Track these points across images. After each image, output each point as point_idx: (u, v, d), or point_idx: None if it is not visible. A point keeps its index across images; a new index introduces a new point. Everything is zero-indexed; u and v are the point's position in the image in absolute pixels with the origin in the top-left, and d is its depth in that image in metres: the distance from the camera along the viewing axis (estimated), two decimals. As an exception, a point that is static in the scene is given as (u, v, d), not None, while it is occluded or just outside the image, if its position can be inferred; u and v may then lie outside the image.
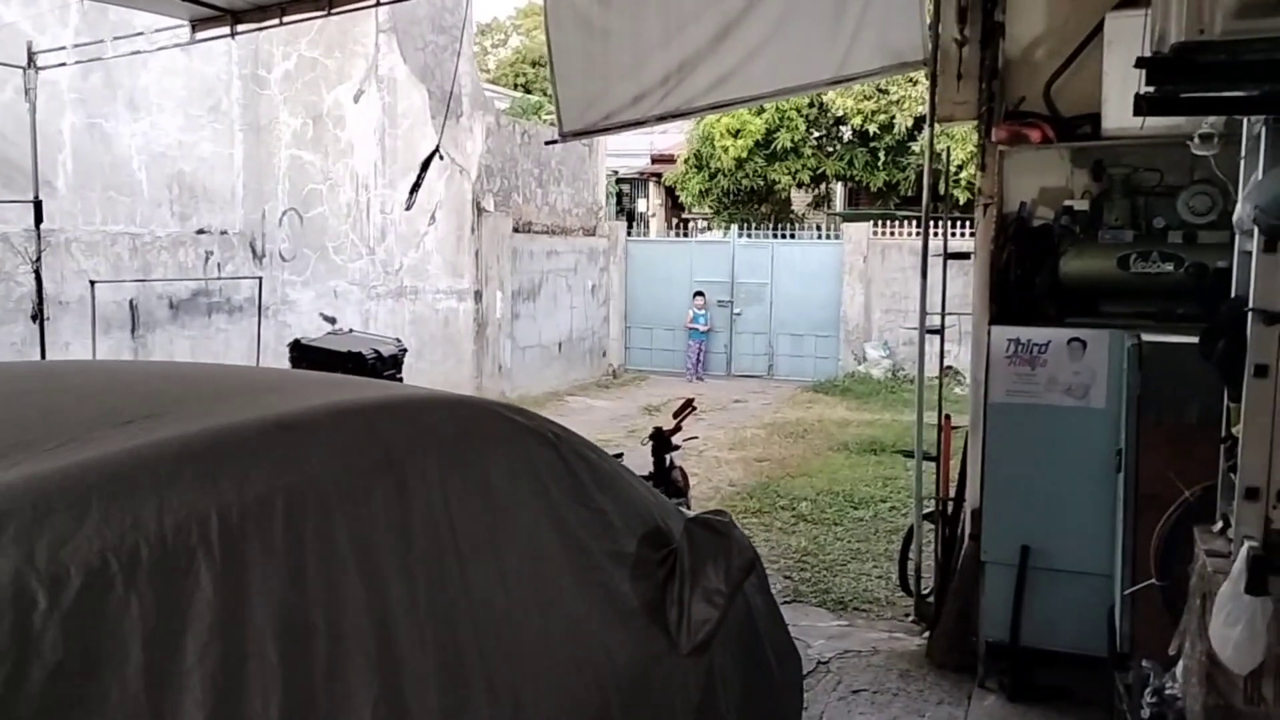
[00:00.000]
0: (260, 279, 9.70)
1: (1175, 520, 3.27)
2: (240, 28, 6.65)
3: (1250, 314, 2.60)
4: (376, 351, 6.01)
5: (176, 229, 9.06)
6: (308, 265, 10.36)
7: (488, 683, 1.90)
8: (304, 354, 5.77)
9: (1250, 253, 2.67)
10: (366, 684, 1.60)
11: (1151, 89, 2.36)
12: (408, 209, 6.98)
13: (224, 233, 9.50)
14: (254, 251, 9.78)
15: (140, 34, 7.37)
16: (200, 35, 6.82)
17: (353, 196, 10.89)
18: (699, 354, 16.43)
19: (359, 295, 10.96)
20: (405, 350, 6.55)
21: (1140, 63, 2.03)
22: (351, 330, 8.64)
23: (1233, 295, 2.97)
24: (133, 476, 1.43)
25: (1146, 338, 3.65)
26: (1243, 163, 2.87)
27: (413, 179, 11.58)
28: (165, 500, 1.42)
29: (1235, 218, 2.78)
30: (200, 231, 9.28)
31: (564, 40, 5.56)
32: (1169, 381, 3.51)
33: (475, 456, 2.12)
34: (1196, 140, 3.50)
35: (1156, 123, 3.79)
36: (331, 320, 10.21)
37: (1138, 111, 2.45)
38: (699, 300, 16.37)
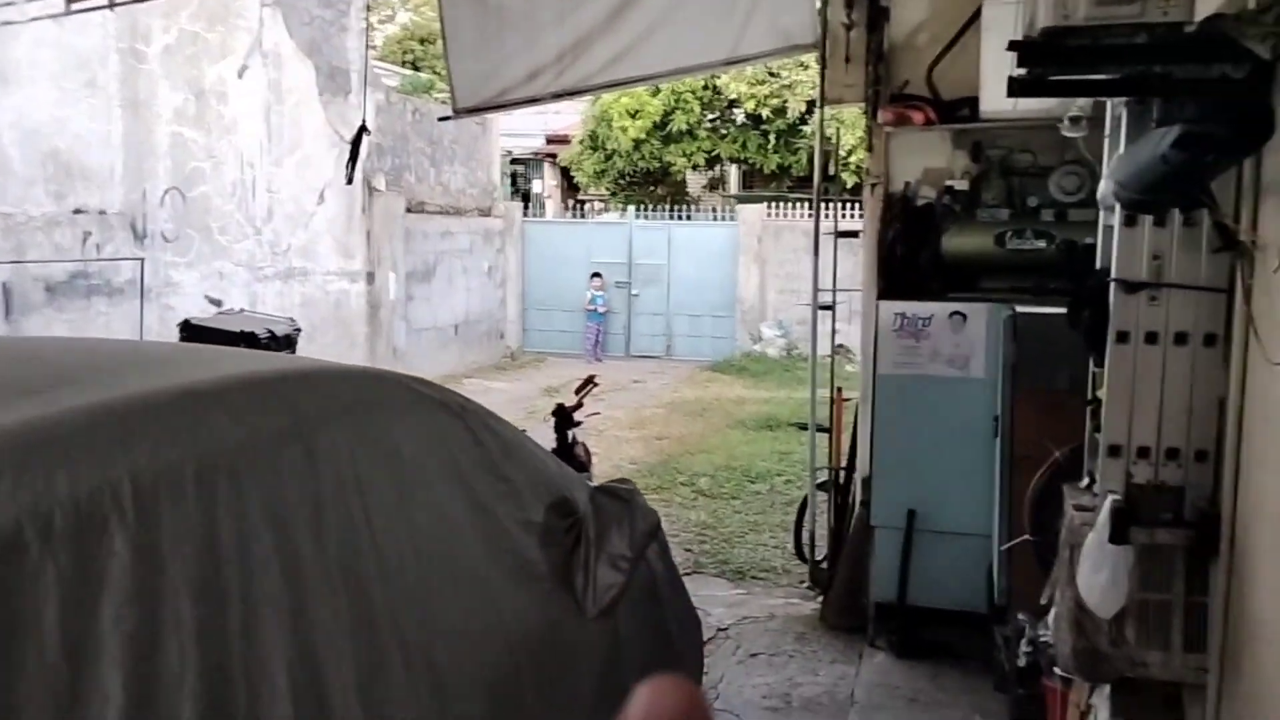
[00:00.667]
0: (142, 260, 9.36)
1: (1046, 479, 3.48)
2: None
3: (1112, 284, 2.79)
4: (270, 331, 5.90)
5: (52, 208, 8.69)
6: (192, 246, 10.03)
7: (402, 646, 1.95)
8: (195, 334, 5.63)
9: (1113, 227, 2.86)
10: (282, 647, 1.63)
11: (1022, 72, 2.51)
12: (348, 183, 6.81)
13: (103, 213, 9.14)
14: (135, 232, 9.43)
15: (11, 3, 7.03)
16: (76, 6, 6.54)
17: (238, 175, 10.58)
18: (598, 335, 16.50)
19: (246, 277, 10.67)
20: (300, 330, 6.45)
21: (1011, 46, 2.16)
22: (243, 310, 8.43)
23: (1098, 268, 3.17)
24: (45, 443, 1.43)
25: (1020, 310, 3.86)
26: (1106, 142, 3.07)
27: (301, 156, 11.34)
28: (78, 467, 1.43)
29: (1099, 194, 2.98)
30: (77, 211, 8.91)
31: (457, 14, 5.53)
32: (1041, 350, 3.73)
33: (383, 426, 2.15)
34: (1066, 123, 3.72)
35: (1030, 105, 4.01)
36: (217, 303, 9.93)
37: (1010, 93, 2.59)
38: (596, 282, 16.43)
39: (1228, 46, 1.91)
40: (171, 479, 1.55)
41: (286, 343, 6.04)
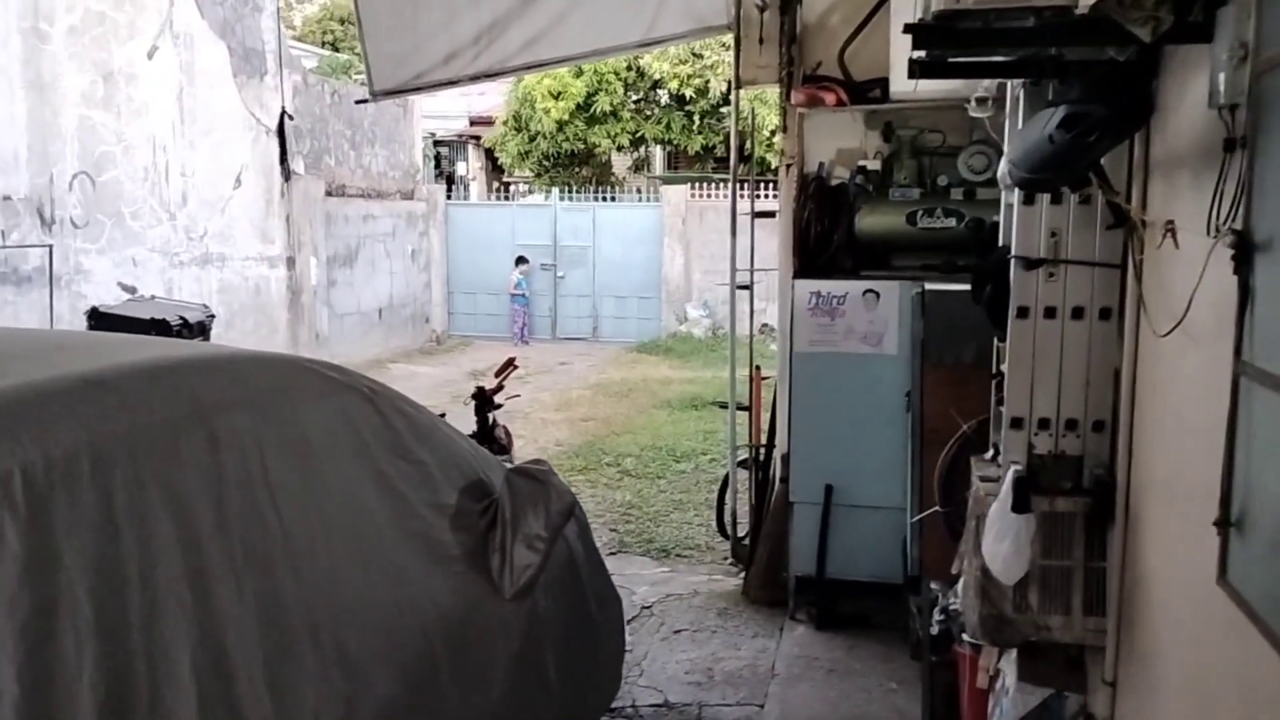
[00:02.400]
0: (50, 247, 9.06)
1: (955, 452, 3.59)
2: (16, -24, 6.19)
3: (1012, 261, 2.88)
4: (182, 318, 5.79)
5: (-49, 194, 8.38)
6: (103, 232, 9.74)
7: (311, 630, 1.94)
8: (103, 322, 5.49)
9: (1013, 205, 2.94)
10: (184, 633, 1.62)
11: (921, 54, 2.57)
12: (285, 178, 6.69)
13: (7, 198, 8.83)
14: (42, 218, 9.12)
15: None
16: (-30, -17, 6.30)
17: (150, 159, 10.28)
18: (524, 319, 16.43)
19: (161, 263, 10.39)
20: (213, 316, 6.33)
21: (907, 28, 2.21)
22: (155, 297, 8.23)
23: (1000, 245, 3.26)
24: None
25: (929, 287, 3.95)
26: (1007, 123, 3.15)
27: (216, 139, 11.06)
28: (-38, 458, 1.40)
29: (999, 174, 3.06)
30: (-21, 197, 8.60)
31: (371, -6, 5.45)
32: (949, 326, 3.82)
33: (289, 411, 2.14)
34: (973, 103, 3.81)
35: (938, 86, 4.09)
36: (131, 290, 9.66)
37: (910, 75, 2.65)
38: (522, 267, 16.34)
39: (1113, 30, 1.97)
40: (64, 469, 1.52)
41: (200, 329, 5.92)
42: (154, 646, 1.56)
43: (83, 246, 9.55)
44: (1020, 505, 2.79)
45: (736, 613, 4.94)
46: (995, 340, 3.25)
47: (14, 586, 1.38)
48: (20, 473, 1.46)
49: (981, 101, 3.82)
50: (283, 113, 5.38)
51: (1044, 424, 2.91)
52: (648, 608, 5.04)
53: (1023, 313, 2.88)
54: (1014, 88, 3.10)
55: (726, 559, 5.76)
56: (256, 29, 11.93)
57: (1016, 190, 2.85)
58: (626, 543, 6.24)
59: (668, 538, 6.31)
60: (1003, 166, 2.99)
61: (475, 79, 5.61)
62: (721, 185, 16.59)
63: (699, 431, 9.42)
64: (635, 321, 16.52)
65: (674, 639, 4.66)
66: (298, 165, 12.23)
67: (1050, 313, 2.86)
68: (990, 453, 3.20)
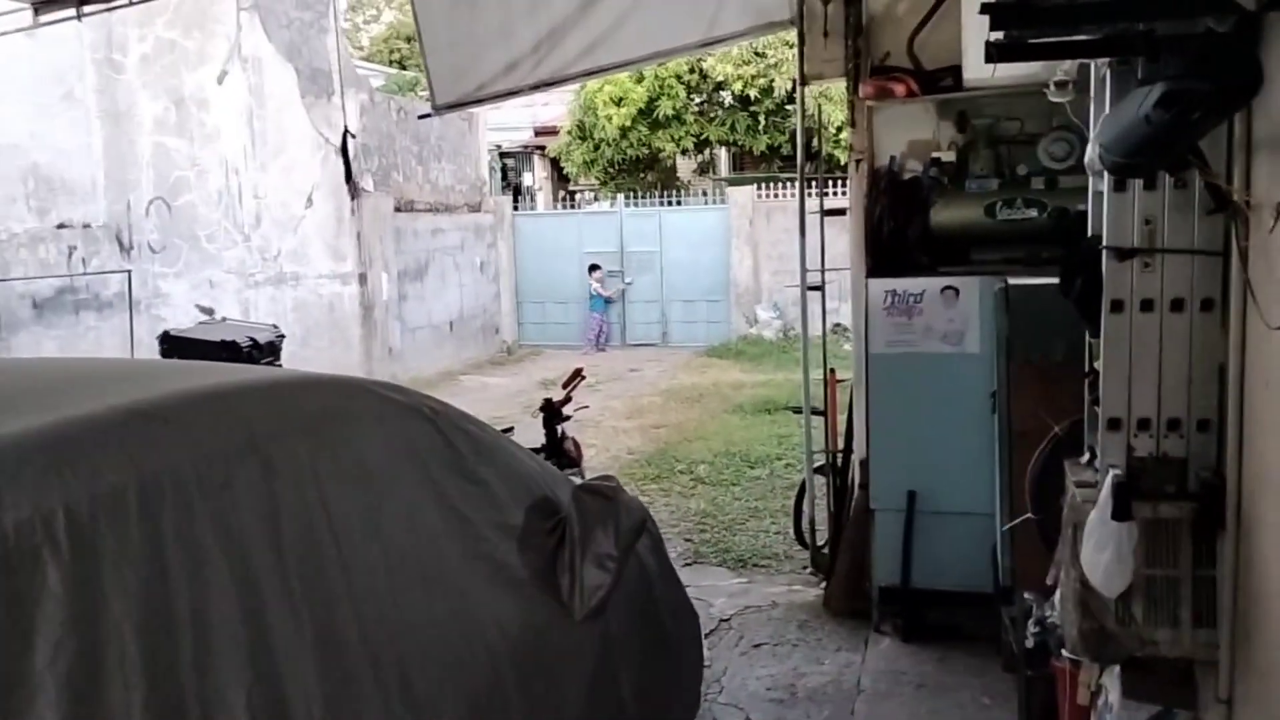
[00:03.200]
0: (129, 272, 9.29)
1: (1046, 455, 3.40)
2: (87, 9, 6.30)
3: (1104, 251, 2.70)
4: (252, 339, 5.82)
5: (35, 224, 8.60)
6: (179, 256, 9.95)
7: (372, 661, 1.87)
8: (175, 346, 5.55)
9: (1102, 193, 2.76)
10: (239, 672, 1.56)
11: (999, 36, 2.42)
12: (351, 196, 6.76)
13: (87, 226, 9.06)
14: (121, 244, 9.35)
15: (-23, 18, 6.92)
16: (43, 18, 6.44)
17: (223, 182, 10.49)
18: (600, 326, 16.38)
19: (236, 284, 10.59)
20: (283, 336, 6.36)
21: (984, 9, 2.07)
22: (225, 319, 8.34)
23: (1089, 235, 3.08)
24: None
25: (1012, 281, 3.77)
26: (1091, 106, 2.97)
27: (286, 160, 11.24)
28: (6, 498, 1.34)
29: (1086, 159, 2.88)
30: (61, 226, 8.83)
31: (429, 9, 5.44)
32: (1034, 322, 3.64)
33: (347, 435, 2.07)
34: (1052, 87, 3.61)
35: (1014, 71, 3.90)
36: (209, 311, 9.85)
37: (988, 59, 2.50)
38: (596, 274, 16.32)
39: (1211, -1, 1.82)
40: (111, 505, 1.46)
41: (270, 350, 5.96)
42: (207, 689, 1.49)
43: (160, 270, 9.77)
44: (1121, 512, 2.61)
45: (818, 625, 4.78)
46: (1087, 336, 3.07)
47: (58, 631, 1.32)
48: (64, 512, 1.40)
49: (1061, 85, 3.63)
50: (345, 131, 5.41)
51: (1144, 425, 2.72)
52: (725, 620, 4.91)
53: (1117, 306, 2.69)
54: (1098, 68, 2.91)
55: (805, 568, 5.60)
56: (323, 50, 12.11)
57: (1106, 176, 2.67)
58: (702, 553, 6.12)
59: (744, 547, 6.17)
60: (1090, 151, 2.81)
61: (536, 88, 5.56)
62: (788, 185, 16.38)
63: (773, 436, 9.26)
64: (704, 325, 16.38)
65: (754, 653, 4.53)
66: (366, 182, 12.36)
67: (1147, 305, 2.67)
68: (1085, 456, 3.02)
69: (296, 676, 1.66)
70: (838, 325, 12.15)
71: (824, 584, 5.15)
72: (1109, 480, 2.65)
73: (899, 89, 4.41)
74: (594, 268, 16.38)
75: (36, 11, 6.43)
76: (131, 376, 2.02)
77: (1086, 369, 3.09)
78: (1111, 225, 2.69)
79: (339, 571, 1.86)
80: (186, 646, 1.49)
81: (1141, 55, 2.44)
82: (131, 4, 6.19)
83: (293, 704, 1.63)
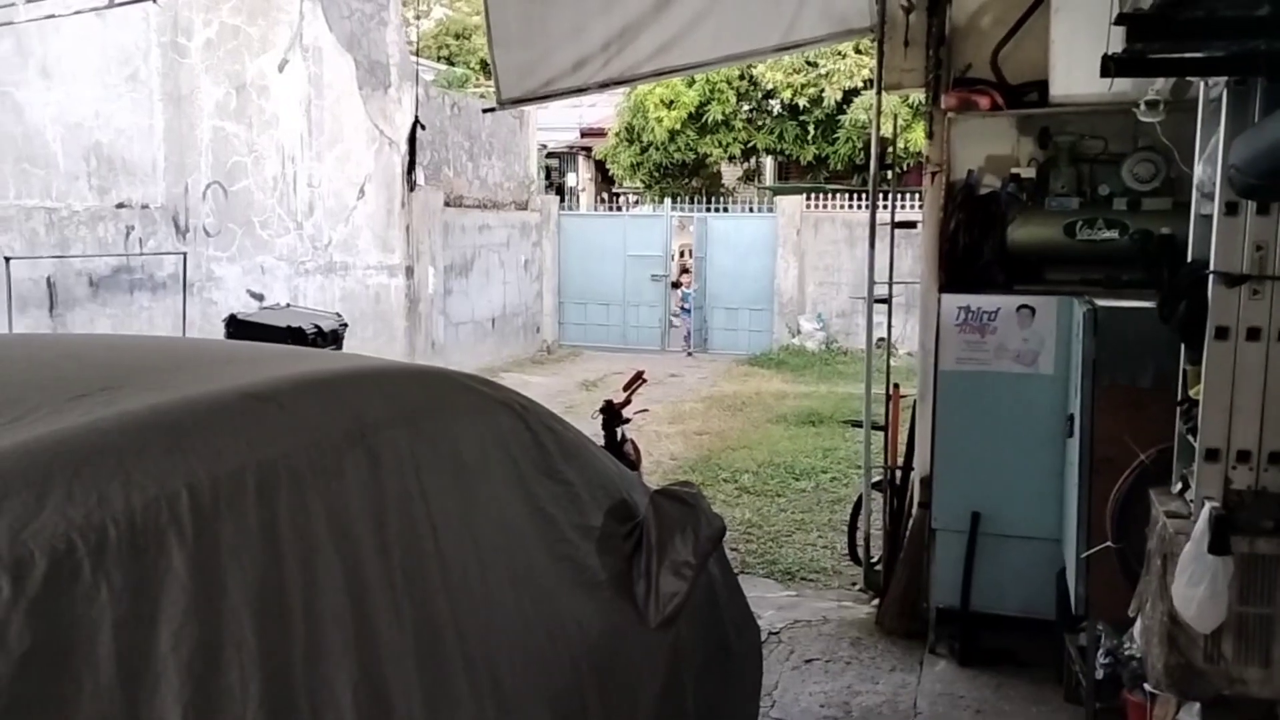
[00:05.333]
0: (185, 255, 9.34)
1: (1131, 483, 3.31)
2: (161, -9, 6.36)
3: (1211, 276, 2.62)
4: (317, 327, 5.83)
5: (95, 203, 8.67)
6: (233, 240, 10.01)
7: (465, 659, 1.83)
8: (241, 329, 5.57)
9: (1209, 216, 2.69)
10: (347, 665, 1.52)
11: (1118, 51, 2.35)
12: (410, 189, 6.77)
13: (145, 207, 9.13)
14: (177, 226, 9.42)
15: (53, -4, 7.01)
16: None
17: (279, 170, 10.55)
18: (687, 332, 16.39)
19: (287, 271, 10.64)
20: (346, 325, 6.37)
21: (1120, 20, 2.01)
22: (289, 305, 8.37)
23: (1189, 259, 2.99)
24: (97, 452, 1.32)
25: (1100, 303, 3.68)
26: (1199, 126, 2.89)
27: (341, 150, 11.29)
28: (132, 477, 1.32)
29: (1196, 180, 2.80)
30: (120, 205, 8.90)
31: (501, 3, 5.41)
32: (1123, 346, 3.55)
33: (444, 428, 2.04)
34: (1143, 107, 3.53)
35: (1102, 88, 3.82)
36: (259, 297, 9.90)
37: (1105, 73, 2.43)
38: (686, 278, 16.41)
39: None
40: (231, 489, 1.43)
41: (333, 338, 5.96)
42: (316, 681, 1.46)
43: (214, 254, 9.83)
44: (1219, 546, 2.53)
45: (871, 643, 4.70)
46: (1182, 363, 2.98)
47: (180, 618, 1.29)
48: (187, 492, 1.37)
49: (1152, 105, 3.55)
50: (416, 122, 5.39)
51: (1243, 457, 2.64)
52: (775, 633, 4.85)
53: (1222, 334, 2.62)
54: (1209, 88, 2.83)
55: (855, 584, 5.53)
56: (381, 42, 12.16)
57: (1216, 199, 2.60)
58: (749, 563, 6.06)
59: (791, 559, 6.10)
60: (1199, 171, 2.74)
61: (604, 86, 5.52)
62: (836, 196, 16.29)
63: (817, 449, 9.17)
64: (746, 334, 16.30)
65: (805, 669, 4.46)
66: (418, 176, 12.40)
67: (1253, 334, 2.60)
68: (1177, 486, 2.94)
69: (398, 673, 1.62)
70: (880, 340, 11.99)
71: (876, 601, 5.07)
72: (1206, 513, 2.57)
73: (983, 101, 4.33)
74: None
75: (112, -8, 6.48)
76: (236, 359, 1.99)
77: (1179, 396, 3.00)
78: (1220, 250, 2.61)
79: (437, 567, 1.83)
80: (299, 638, 1.45)
81: (1264, 76, 2.37)
82: (206, -12, 6.21)
83: (394, 699, 1.60)
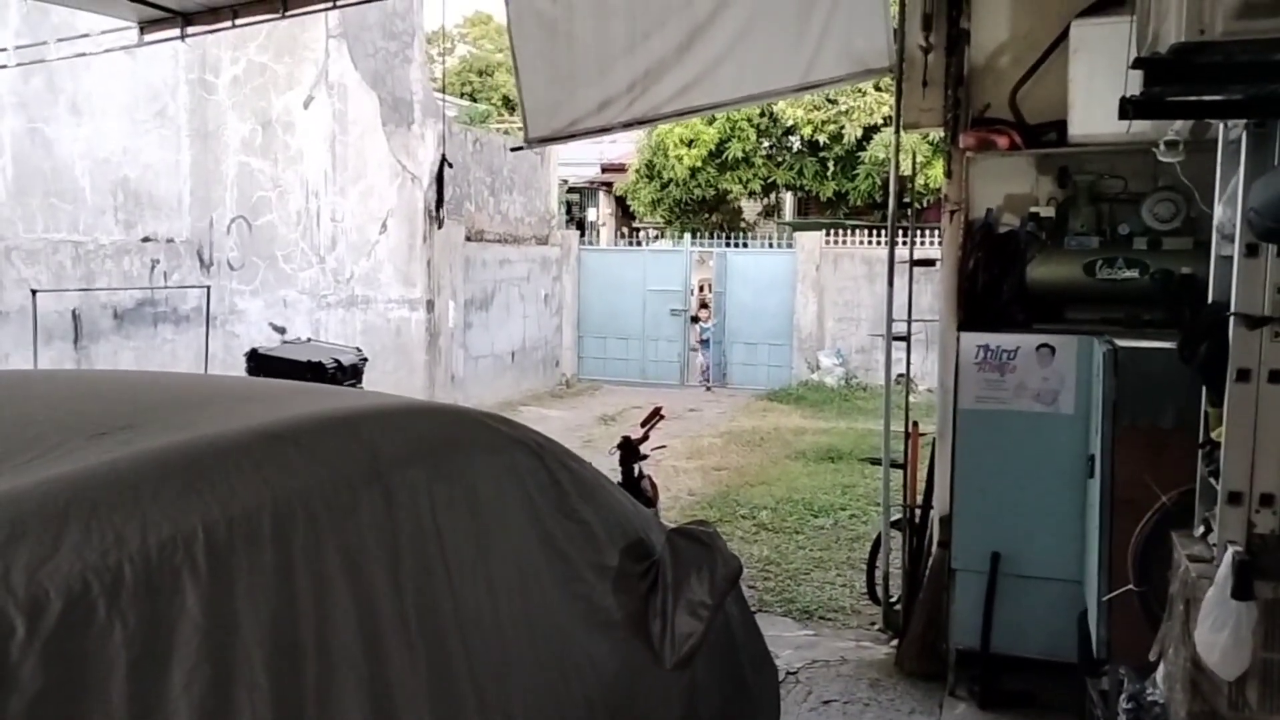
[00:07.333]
0: (208, 288, 9.46)
1: (1152, 525, 3.28)
2: (191, 30, 6.48)
3: (1232, 318, 2.61)
4: (337, 361, 5.87)
5: (121, 237, 8.81)
6: (256, 274, 10.13)
7: (479, 698, 1.83)
8: (262, 364, 5.61)
9: (1230, 257, 2.67)
10: (359, 705, 1.52)
11: (1136, 93, 2.36)
12: (439, 225, 6.84)
13: (170, 241, 9.26)
14: (201, 260, 9.55)
15: (85, 35, 7.15)
16: (149, 37, 6.63)
17: (303, 204, 10.68)
18: (706, 366, 16.40)
19: (309, 305, 10.75)
20: (366, 360, 6.41)
21: (1138, 64, 2.01)
22: (310, 339, 8.43)
23: (1209, 300, 2.98)
24: (113, 491, 1.33)
25: (1121, 343, 3.66)
26: (1219, 168, 2.88)
27: (364, 186, 11.41)
28: (148, 516, 1.33)
29: (1216, 221, 2.79)
30: (146, 239, 9.04)
31: (527, 46, 5.50)
32: (1144, 387, 3.52)
33: (461, 466, 2.04)
34: (1162, 147, 3.53)
35: (1121, 129, 3.82)
36: (281, 330, 9.99)
37: (1123, 115, 2.44)
38: (705, 313, 16.54)
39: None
40: (246, 529, 1.44)
41: (353, 373, 6.00)
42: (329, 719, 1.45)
43: (238, 288, 9.94)
44: (1242, 592, 2.50)
45: (890, 685, 4.65)
46: (1204, 404, 2.96)
47: (194, 657, 1.29)
48: (202, 532, 1.38)
49: (1172, 145, 3.54)
50: (443, 160, 5.46)
51: (1266, 500, 2.61)
52: (793, 673, 4.80)
53: (1243, 376, 2.60)
54: (1229, 129, 2.83)
55: (874, 624, 5.47)
56: (405, 79, 12.33)
57: (1237, 241, 2.59)
58: (767, 601, 6.01)
59: (809, 598, 6.05)
60: (1222, 213, 2.73)
61: (628, 126, 5.59)
62: (856, 232, 16.30)
63: (836, 485, 9.12)
64: (765, 369, 16.28)
65: (824, 710, 4.42)
66: (440, 211, 12.51)
67: (1275, 377, 2.58)
68: (1199, 529, 2.90)
69: (412, 713, 1.62)
70: (900, 376, 11.93)
71: (894, 642, 5.02)
72: (1229, 557, 2.54)
73: (1002, 141, 4.34)
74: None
75: (142, 31, 6.61)
76: (255, 396, 2.01)
77: (1201, 438, 2.97)
78: (1241, 291, 2.60)
79: (451, 604, 1.83)
80: (310, 678, 1.45)
81: (1283, 118, 2.37)
82: (234, 26, 6.33)
83: (407, 742, 1.59)
